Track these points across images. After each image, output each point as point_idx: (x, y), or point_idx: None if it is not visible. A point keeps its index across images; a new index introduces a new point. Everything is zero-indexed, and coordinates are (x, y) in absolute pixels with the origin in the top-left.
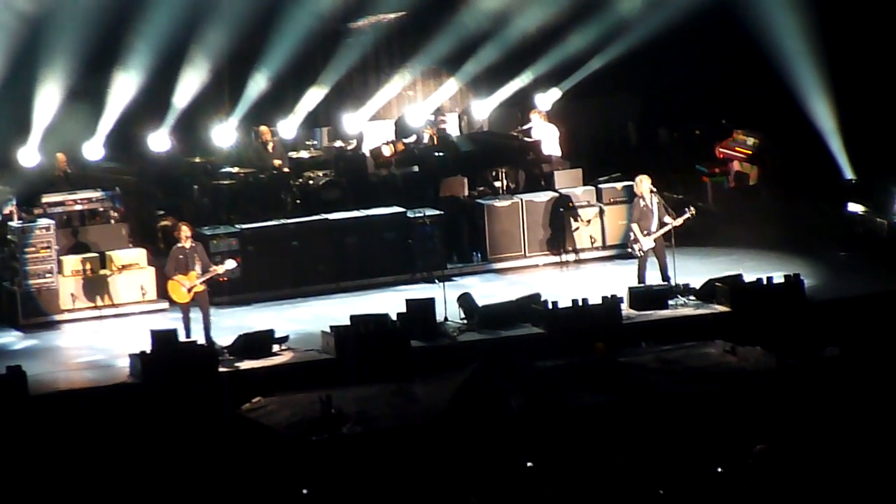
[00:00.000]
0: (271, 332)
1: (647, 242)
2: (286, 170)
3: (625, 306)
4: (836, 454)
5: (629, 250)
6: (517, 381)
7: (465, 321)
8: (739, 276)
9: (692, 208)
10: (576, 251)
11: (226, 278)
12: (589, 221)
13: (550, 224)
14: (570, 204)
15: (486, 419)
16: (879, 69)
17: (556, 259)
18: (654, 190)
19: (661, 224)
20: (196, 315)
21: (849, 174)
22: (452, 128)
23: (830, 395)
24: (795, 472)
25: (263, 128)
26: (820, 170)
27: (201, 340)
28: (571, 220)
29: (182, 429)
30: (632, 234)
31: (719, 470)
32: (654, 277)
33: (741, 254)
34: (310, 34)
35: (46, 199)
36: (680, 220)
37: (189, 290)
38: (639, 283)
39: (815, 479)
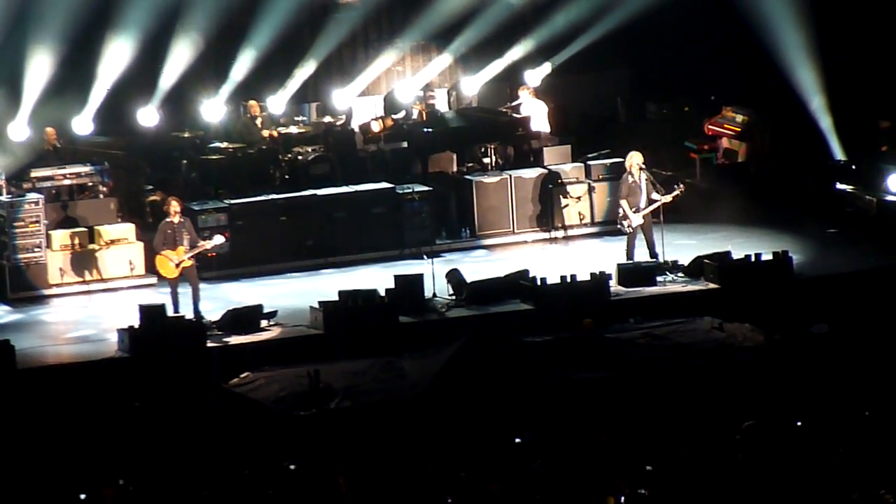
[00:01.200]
0: (259, 307)
1: (637, 219)
2: (276, 134)
3: (613, 283)
4: (824, 430)
5: (619, 226)
6: (505, 356)
7: (454, 297)
8: (728, 252)
9: (681, 185)
10: (564, 227)
11: (214, 253)
12: (578, 198)
13: (539, 200)
14: (559, 180)
15: (474, 395)
16: (870, 46)
17: (545, 235)
18: (644, 167)
19: (650, 201)
20: (185, 290)
21: (838, 152)
22: (441, 103)
23: (818, 372)
24: (783, 448)
25: (252, 103)
26: (809, 147)
27: (189, 315)
28: (560, 196)
29: (170, 403)
30: (621, 211)
31: (707, 446)
32: (642, 254)
33: (729, 230)
34: (299, 8)
35: (35, 173)
36: (669, 197)
37: (177, 265)
38: (627, 259)
39: (803, 456)
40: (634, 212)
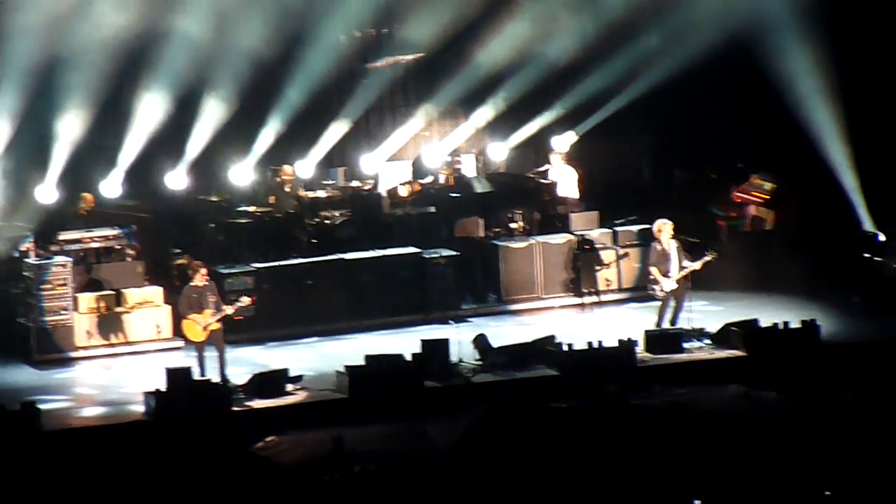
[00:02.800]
0: (285, 370)
1: (669, 284)
2: (302, 194)
3: (640, 349)
4: (850, 499)
5: (650, 292)
6: (530, 421)
7: (480, 362)
8: (755, 320)
9: (712, 251)
10: (591, 293)
11: (240, 317)
12: (607, 265)
13: (566, 266)
14: (587, 246)
15: (498, 458)
16: None
17: (572, 301)
18: (673, 234)
19: (681, 268)
20: (211, 353)
21: (866, 221)
22: (469, 168)
23: (844, 440)
24: None
25: (280, 167)
26: (836, 216)
27: (216, 378)
28: (587, 262)
29: (195, 466)
30: (651, 277)
31: None
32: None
33: (757, 298)
34: (327, 73)
35: (63, 236)
36: (699, 264)
37: (204, 329)
38: (657, 326)
39: None
40: (666, 278)
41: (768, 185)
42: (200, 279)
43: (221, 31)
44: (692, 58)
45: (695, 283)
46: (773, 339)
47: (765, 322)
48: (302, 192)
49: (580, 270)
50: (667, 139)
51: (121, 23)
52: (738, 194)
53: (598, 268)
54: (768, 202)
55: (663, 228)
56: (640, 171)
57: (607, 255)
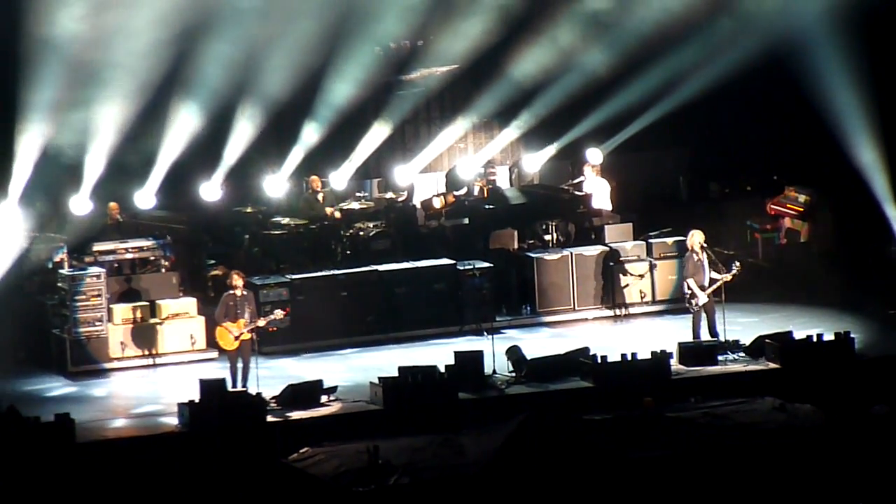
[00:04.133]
0: (320, 382)
1: (703, 297)
2: (338, 216)
3: (674, 361)
4: None
5: (686, 305)
6: (564, 434)
7: (514, 374)
8: (789, 332)
9: (738, 264)
10: (626, 305)
11: (275, 328)
12: (640, 276)
13: (600, 278)
14: (621, 258)
15: (533, 471)
16: None
17: (606, 313)
18: (705, 245)
19: (712, 280)
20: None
21: None
22: (503, 180)
23: (879, 453)
24: None
25: (314, 178)
26: (871, 227)
27: (251, 390)
28: (621, 274)
29: (229, 478)
30: (687, 290)
31: None
32: (705, 333)
33: (791, 310)
34: (362, 85)
35: (98, 247)
36: (729, 276)
37: (237, 338)
38: (693, 338)
39: None
40: (700, 290)
41: (803, 198)
42: (238, 288)
43: (257, 43)
44: (728, 70)
45: (729, 295)
46: (807, 352)
47: (799, 334)
48: (334, 211)
49: (613, 282)
50: (702, 151)
51: (157, 38)
52: (773, 206)
53: (625, 280)
54: (803, 214)
55: (695, 238)
56: (675, 183)
57: (640, 267)
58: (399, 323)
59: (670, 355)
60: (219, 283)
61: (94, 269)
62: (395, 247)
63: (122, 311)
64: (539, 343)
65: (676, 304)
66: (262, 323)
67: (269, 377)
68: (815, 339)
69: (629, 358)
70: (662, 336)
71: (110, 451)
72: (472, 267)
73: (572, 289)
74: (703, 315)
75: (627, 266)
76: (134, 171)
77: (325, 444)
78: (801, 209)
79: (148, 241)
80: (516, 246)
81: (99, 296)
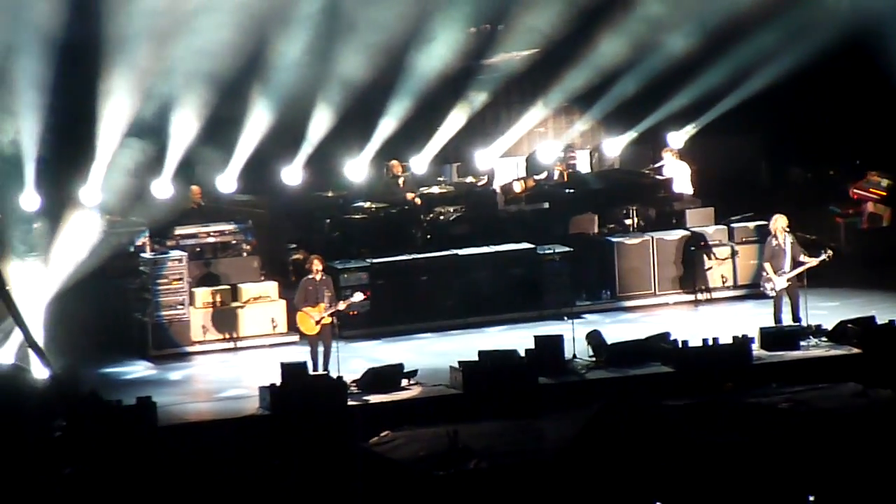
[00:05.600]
0: (400, 366)
1: (780, 282)
2: (419, 201)
3: (755, 346)
4: None
5: (762, 289)
6: (645, 419)
7: (594, 359)
8: (872, 317)
9: (829, 250)
10: (707, 290)
11: (355, 312)
12: (722, 260)
13: (681, 262)
14: (702, 242)
15: (613, 456)
16: None
17: (687, 298)
18: (789, 230)
19: (797, 263)
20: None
21: None
22: (583, 164)
23: None
24: None
25: (395, 163)
26: None
27: (332, 374)
28: (703, 258)
29: (310, 461)
30: (764, 274)
31: None
32: (788, 318)
33: (873, 295)
34: (442, 70)
35: (179, 230)
36: (816, 261)
37: (318, 322)
38: (775, 323)
39: None
40: (778, 275)
41: (885, 182)
42: (317, 273)
43: (338, 27)
44: (811, 54)
45: (811, 280)
46: (889, 337)
47: (881, 319)
48: (414, 197)
49: (694, 267)
50: (784, 136)
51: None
52: (855, 191)
53: (707, 264)
54: (885, 199)
55: (778, 223)
56: (757, 167)
57: (722, 252)
58: (478, 307)
59: (752, 340)
60: (299, 267)
61: (176, 253)
62: (474, 231)
63: (204, 294)
64: (619, 328)
65: (758, 288)
66: (342, 307)
67: (350, 361)
68: None
69: (710, 343)
70: (744, 321)
71: (192, 435)
72: (551, 251)
73: (653, 273)
74: (786, 299)
75: (709, 250)
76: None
77: (405, 428)
78: (884, 193)
79: (229, 225)
80: (596, 230)
81: (180, 279)
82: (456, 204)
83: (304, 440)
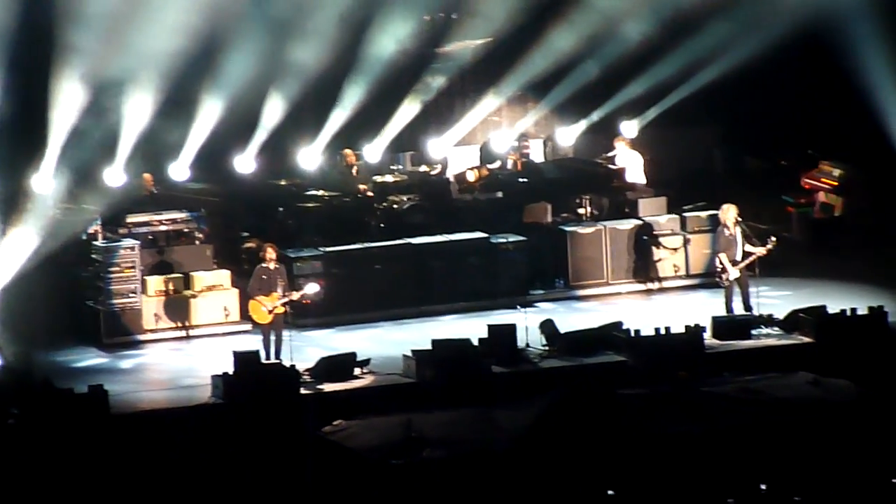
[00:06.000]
0: (353, 355)
1: (734, 272)
2: (370, 194)
3: (708, 335)
4: None
5: (716, 280)
6: (598, 408)
7: (547, 347)
8: (824, 307)
9: (774, 238)
10: (659, 279)
11: (308, 301)
12: (674, 250)
13: (634, 252)
14: (654, 232)
15: (568, 446)
16: None
17: (640, 287)
18: (739, 220)
19: (746, 254)
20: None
21: None
22: (537, 154)
23: None
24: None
25: (349, 151)
26: None
27: (285, 362)
28: (655, 248)
29: (263, 450)
30: (718, 264)
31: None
32: (738, 307)
33: (826, 285)
34: (396, 58)
35: (131, 218)
36: (763, 250)
37: (270, 311)
38: (726, 312)
39: None
40: (732, 265)
41: (837, 172)
42: (271, 261)
43: (292, 17)
44: (764, 45)
45: (763, 270)
46: (841, 326)
47: (833, 309)
48: (368, 186)
49: (647, 256)
50: (737, 126)
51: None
52: (807, 181)
53: (659, 254)
54: (837, 189)
55: (729, 213)
56: (710, 157)
57: (673, 241)
58: (432, 296)
59: (704, 329)
60: (252, 256)
61: (128, 241)
62: (428, 220)
63: (156, 282)
64: (573, 317)
65: (710, 278)
66: (295, 296)
67: (303, 350)
68: (849, 313)
69: (663, 332)
70: (696, 310)
71: (144, 423)
72: (505, 240)
73: (606, 262)
74: (737, 289)
75: (661, 240)
76: (168, 144)
77: (359, 417)
78: (836, 183)
79: (182, 214)
80: (550, 220)
81: (133, 267)
82: (410, 193)
83: (256, 429)
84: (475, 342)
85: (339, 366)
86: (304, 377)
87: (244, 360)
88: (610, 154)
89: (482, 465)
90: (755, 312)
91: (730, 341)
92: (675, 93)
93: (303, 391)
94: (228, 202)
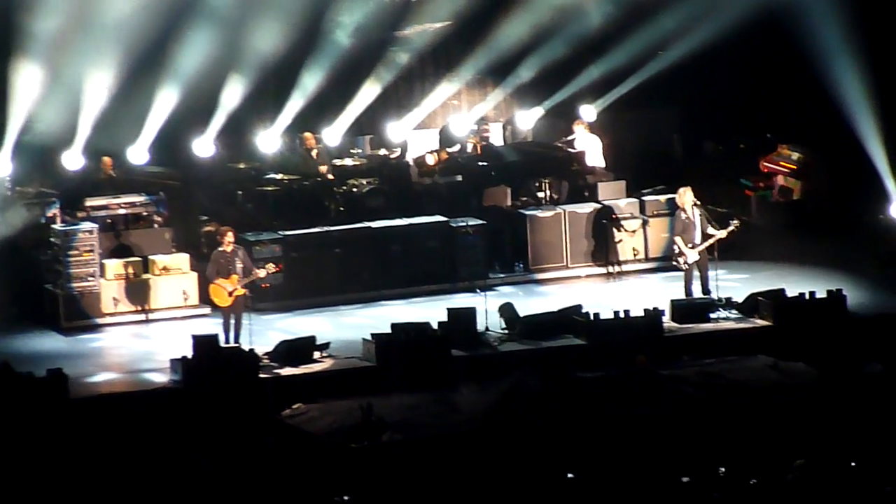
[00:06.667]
0: (312, 338)
1: (692, 255)
2: (330, 177)
3: (667, 319)
4: (876, 470)
5: (674, 263)
6: (558, 391)
7: (507, 331)
8: (782, 290)
9: (736, 221)
10: (618, 263)
11: (268, 284)
12: (633, 233)
13: (593, 235)
14: (614, 215)
15: (527, 429)
16: None
17: (599, 270)
18: (697, 203)
19: (705, 236)
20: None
21: (894, 190)
22: (496, 137)
23: (872, 411)
24: (835, 488)
25: (308, 135)
26: (865, 185)
27: (244, 346)
28: (614, 231)
29: (222, 434)
30: (675, 248)
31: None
32: (698, 291)
33: (784, 268)
34: (356, 42)
35: (90, 202)
36: (724, 233)
37: (231, 294)
38: (685, 296)
39: (855, 496)
40: (690, 248)
41: (796, 156)
42: (228, 245)
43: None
44: (723, 29)
45: (722, 253)
46: (800, 310)
47: (791, 292)
48: (328, 169)
49: (606, 240)
50: (696, 110)
51: None
52: (766, 164)
53: (618, 237)
54: (796, 172)
55: (686, 197)
56: (669, 141)
57: (632, 225)
58: (392, 280)
59: (663, 313)
60: (211, 239)
61: (87, 225)
62: (388, 204)
63: (115, 266)
64: (532, 300)
65: (669, 261)
66: (262, 275)
67: (262, 333)
68: (807, 297)
69: (622, 315)
70: (655, 293)
71: (103, 407)
72: (465, 224)
73: (565, 246)
74: (696, 272)
75: (620, 223)
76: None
77: (318, 401)
78: (795, 167)
79: (141, 197)
80: (510, 203)
81: (91, 251)
82: (369, 176)
83: (216, 413)
84: (435, 326)
85: (299, 349)
86: (264, 361)
87: (203, 343)
88: (569, 138)
89: (441, 449)
90: (714, 296)
91: (689, 325)
92: (634, 76)
93: (262, 375)
94: (187, 186)
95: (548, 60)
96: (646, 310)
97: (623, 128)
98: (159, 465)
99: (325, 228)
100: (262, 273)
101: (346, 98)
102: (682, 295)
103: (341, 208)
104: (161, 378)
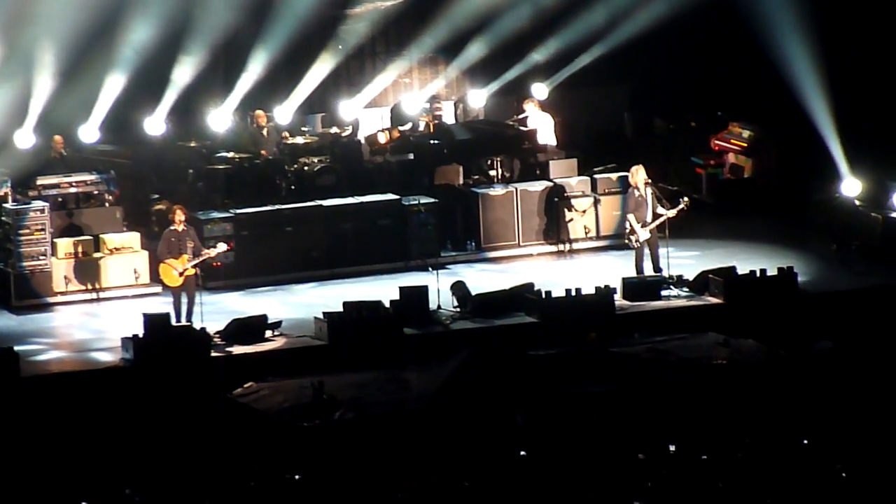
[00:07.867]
0: (264, 317)
1: (643, 233)
2: (272, 157)
3: (618, 297)
4: (826, 447)
5: (626, 241)
6: (509, 368)
7: (459, 309)
8: (733, 268)
9: (685, 199)
10: (570, 241)
11: (219, 263)
12: (584, 211)
13: (545, 213)
14: (565, 194)
15: (478, 407)
16: (876, 61)
17: (551, 248)
18: (649, 181)
19: (656, 215)
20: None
21: (844, 168)
22: (448, 116)
23: (822, 388)
24: (786, 465)
25: (259, 112)
26: (815, 163)
27: (196, 325)
28: (566, 209)
29: (174, 412)
30: (627, 226)
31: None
32: (648, 269)
33: (735, 246)
34: (306, 20)
35: (41, 181)
36: (674, 212)
37: (181, 274)
38: (636, 273)
39: (806, 473)
40: (641, 226)
41: (747, 133)
42: (179, 223)
43: None
44: (674, 6)
45: (672, 231)
46: (750, 287)
47: (742, 270)
48: (287, 139)
49: (557, 218)
50: (647, 87)
51: None
52: (717, 142)
53: (570, 215)
54: (747, 150)
55: (638, 175)
56: (620, 119)
57: (583, 203)
58: (344, 258)
59: (614, 290)
60: (162, 218)
61: (38, 204)
62: (340, 182)
63: (66, 245)
64: (484, 278)
65: (620, 239)
66: (213, 254)
67: (214, 312)
68: (758, 274)
69: (573, 293)
70: (606, 271)
71: (54, 386)
72: (417, 202)
73: (517, 224)
74: (647, 250)
75: (572, 202)
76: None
77: (270, 379)
78: (745, 145)
79: (92, 176)
80: (461, 181)
81: (42, 230)
82: (321, 154)
83: (167, 391)
84: (387, 304)
85: (250, 328)
86: (215, 340)
87: (154, 322)
88: (521, 116)
89: (393, 427)
90: (665, 274)
91: (640, 302)
92: (585, 55)
93: (213, 353)
94: (138, 164)
95: (499, 39)
96: (597, 287)
97: (574, 106)
98: (110, 444)
99: (277, 207)
100: (212, 252)
101: (298, 76)
102: (633, 273)
103: (292, 186)
104: (112, 357)
